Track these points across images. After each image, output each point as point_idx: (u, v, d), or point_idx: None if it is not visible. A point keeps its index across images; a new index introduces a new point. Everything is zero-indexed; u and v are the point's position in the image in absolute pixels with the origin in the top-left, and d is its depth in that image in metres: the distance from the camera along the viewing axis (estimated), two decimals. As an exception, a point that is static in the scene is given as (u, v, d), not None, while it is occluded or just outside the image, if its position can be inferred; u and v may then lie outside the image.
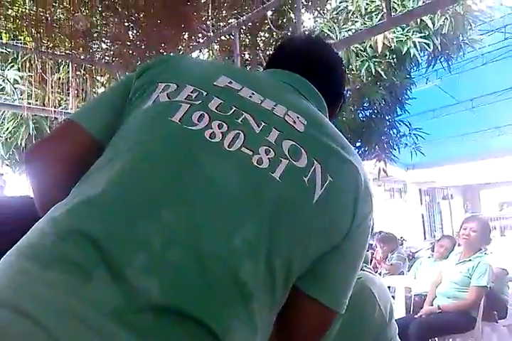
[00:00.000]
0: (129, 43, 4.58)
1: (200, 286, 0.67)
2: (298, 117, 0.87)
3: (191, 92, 0.84)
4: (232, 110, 0.83)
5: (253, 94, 0.88)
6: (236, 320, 0.68)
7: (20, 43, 4.70)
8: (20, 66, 5.36)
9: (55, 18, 4.09)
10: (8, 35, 4.74)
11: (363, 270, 1.63)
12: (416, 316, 3.66)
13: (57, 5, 4.02)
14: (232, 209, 0.74)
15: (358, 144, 6.39)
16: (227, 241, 0.70)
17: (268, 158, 0.78)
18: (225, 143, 0.78)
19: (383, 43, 5.08)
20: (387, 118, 6.46)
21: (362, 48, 5.49)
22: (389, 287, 4.23)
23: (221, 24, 4.43)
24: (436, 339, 3.67)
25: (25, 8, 4.06)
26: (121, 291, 0.63)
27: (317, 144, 0.85)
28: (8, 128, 5.86)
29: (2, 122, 5.97)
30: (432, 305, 3.74)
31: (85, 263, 0.65)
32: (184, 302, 0.65)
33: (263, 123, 0.82)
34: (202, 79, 0.89)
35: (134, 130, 0.83)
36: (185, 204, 0.72)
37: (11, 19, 4.32)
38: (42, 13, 3.91)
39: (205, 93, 0.85)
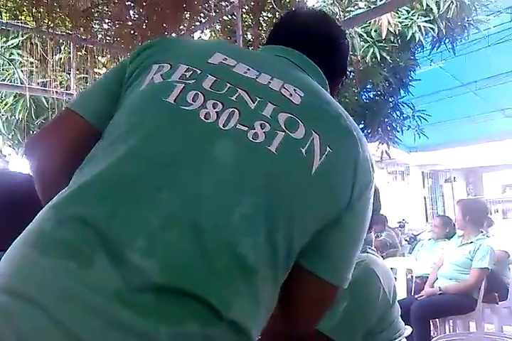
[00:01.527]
0: (130, 23, 4.52)
1: (199, 264, 0.67)
2: (295, 90, 0.86)
3: (185, 71, 0.84)
4: (227, 87, 0.83)
5: (248, 69, 0.87)
6: (238, 295, 0.69)
7: (21, 23, 4.64)
8: (21, 44, 5.29)
9: (55, -4, 4.03)
10: (8, 14, 4.68)
11: (367, 252, 1.63)
12: (417, 297, 3.69)
13: (57, -17, 3.97)
14: (228, 185, 0.74)
15: (360, 126, 6.35)
16: (225, 217, 0.71)
17: (264, 132, 0.78)
18: (219, 122, 0.78)
19: (387, 29, 5.01)
20: (390, 100, 6.42)
21: (366, 33, 5.42)
22: (391, 269, 4.25)
23: (223, 3, 4.37)
24: (437, 320, 3.69)
25: (25, -13, 4.01)
26: (122, 273, 0.64)
27: (315, 115, 0.85)
28: (6, 104, 5.83)
29: (2, 98, 5.94)
30: (433, 287, 3.75)
31: (85, 248, 0.66)
32: (184, 281, 0.66)
33: (258, 99, 0.82)
34: (195, 57, 0.89)
35: (130, 113, 0.84)
36: (182, 184, 0.73)
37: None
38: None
39: (199, 71, 0.84)
